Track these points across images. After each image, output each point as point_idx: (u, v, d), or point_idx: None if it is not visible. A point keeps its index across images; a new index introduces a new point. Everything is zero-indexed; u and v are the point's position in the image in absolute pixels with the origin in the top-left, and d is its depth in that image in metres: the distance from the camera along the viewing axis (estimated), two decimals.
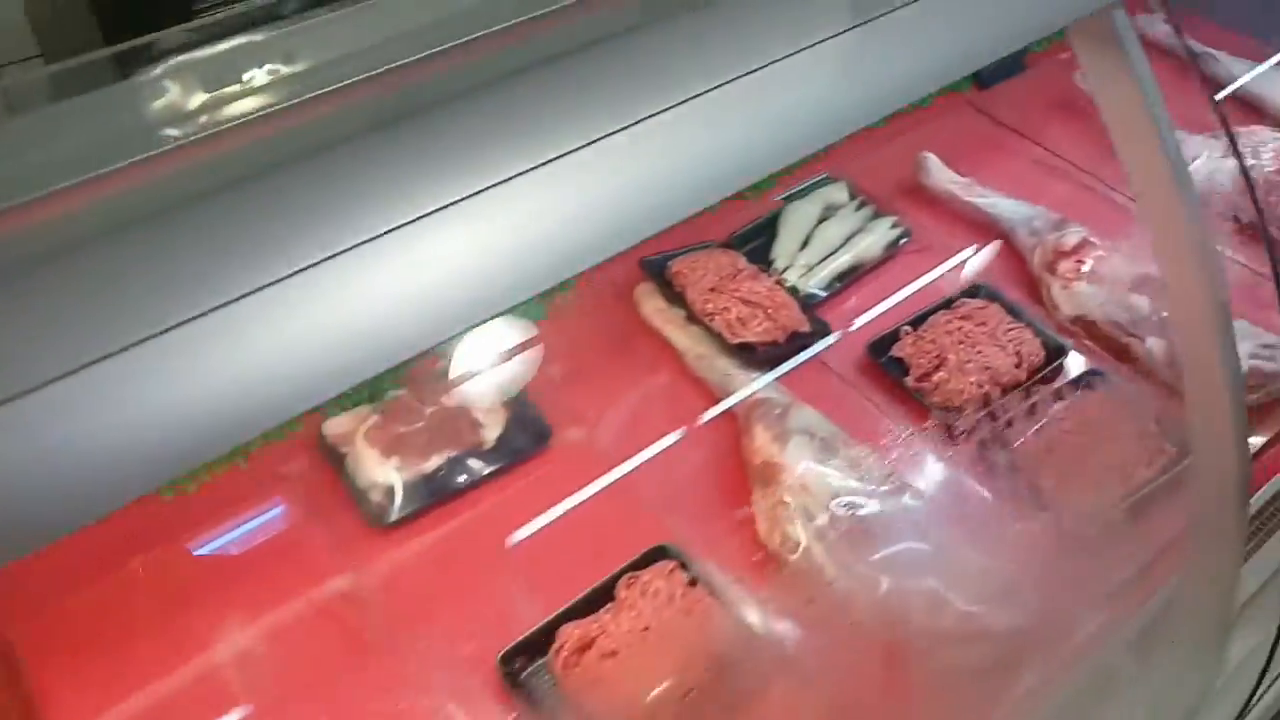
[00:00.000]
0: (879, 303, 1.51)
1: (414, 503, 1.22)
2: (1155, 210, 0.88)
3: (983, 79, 1.93)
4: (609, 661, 1.07)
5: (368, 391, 1.32)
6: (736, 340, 1.38)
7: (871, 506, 1.17)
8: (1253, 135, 1.71)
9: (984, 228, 1.62)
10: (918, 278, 1.55)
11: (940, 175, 1.65)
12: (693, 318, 1.40)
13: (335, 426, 1.27)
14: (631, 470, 1.26)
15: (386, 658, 1.10)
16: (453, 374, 1.33)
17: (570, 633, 1.09)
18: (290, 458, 1.27)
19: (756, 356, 1.37)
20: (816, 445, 1.23)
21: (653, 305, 1.44)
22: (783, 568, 1.16)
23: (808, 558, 1.14)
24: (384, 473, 1.22)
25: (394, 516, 1.20)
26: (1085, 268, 1.46)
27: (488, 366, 1.33)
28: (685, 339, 1.40)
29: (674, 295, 1.44)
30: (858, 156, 1.76)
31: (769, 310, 1.41)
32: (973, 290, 1.49)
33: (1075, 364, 1.42)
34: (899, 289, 1.53)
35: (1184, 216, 0.88)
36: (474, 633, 1.11)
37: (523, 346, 1.36)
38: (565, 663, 1.08)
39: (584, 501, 1.24)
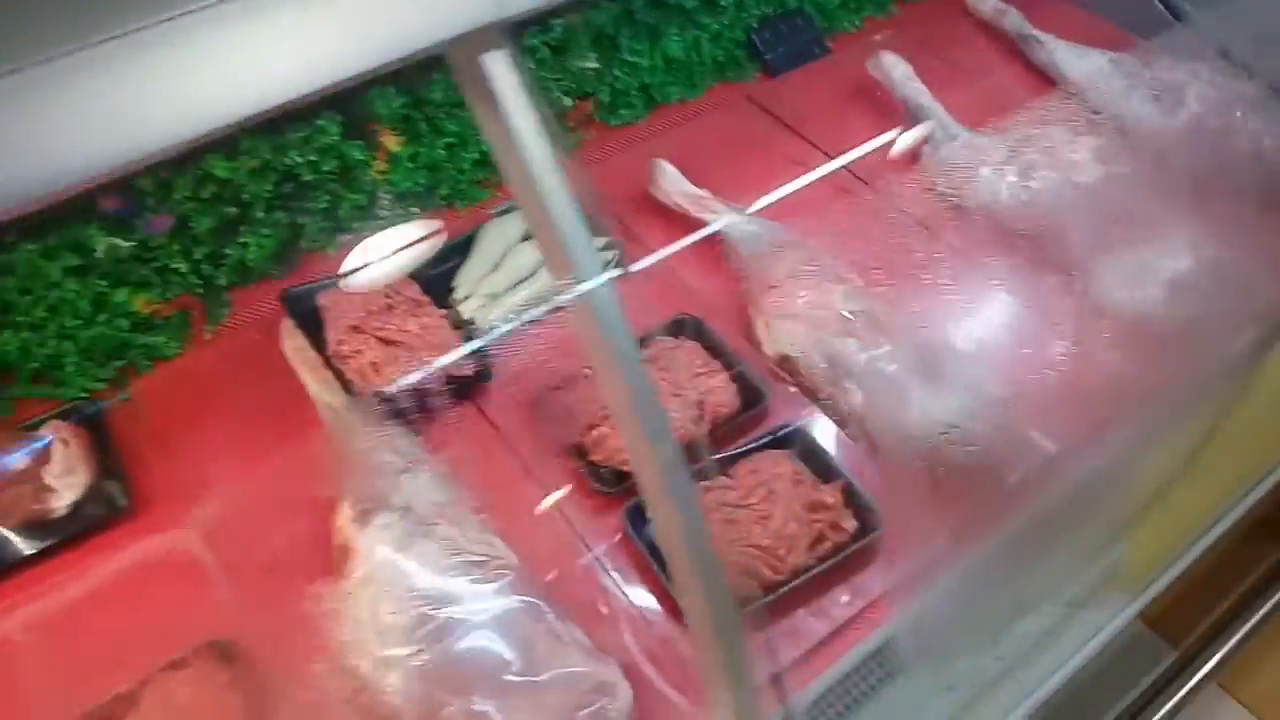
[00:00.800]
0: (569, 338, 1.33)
1: None
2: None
3: (771, 66, 1.71)
4: None
5: None
6: (366, 389, 1.20)
7: (454, 613, 1.01)
8: (1045, 136, 1.49)
9: (716, 249, 1.42)
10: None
11: (671, 186, 1.45)
12: (327, 361, 1.23)
13: None
14: (209, 547, 1.10)
15: None
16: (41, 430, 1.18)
17: None
18: None
19: (391, 408, 1.20)
20: (402, 527, 1.06)
21: (292, 345, 1.26)
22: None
23: (375, 678, 0.98)
24: None
25: None
26: (793, 302, 1.26)
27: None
28: (317, 386, 1.23)
29: (317, 332, 1.27)
30: (603, 158, 1.57)
31: (416, 351, 1.24)
32: (676, 325, 1.31)
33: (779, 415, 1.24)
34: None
35: (579, 264, 0.70)
36: None
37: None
38: None
39: (145, 582, 1.09)
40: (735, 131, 1.62)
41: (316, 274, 1.37)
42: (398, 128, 1.38)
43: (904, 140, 1.52)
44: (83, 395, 1.24)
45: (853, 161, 1.51)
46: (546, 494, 1.18)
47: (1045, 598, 1.26)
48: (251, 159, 1.26)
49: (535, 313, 1.31)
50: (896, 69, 1.60)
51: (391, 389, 1.20)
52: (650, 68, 1.60)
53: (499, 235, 1.39)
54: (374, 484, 1.11)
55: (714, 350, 1.28)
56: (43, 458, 1.15)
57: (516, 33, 0.63)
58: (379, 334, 1.24)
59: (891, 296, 1.29)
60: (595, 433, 1.19)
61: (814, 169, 1.50)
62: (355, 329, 1.24)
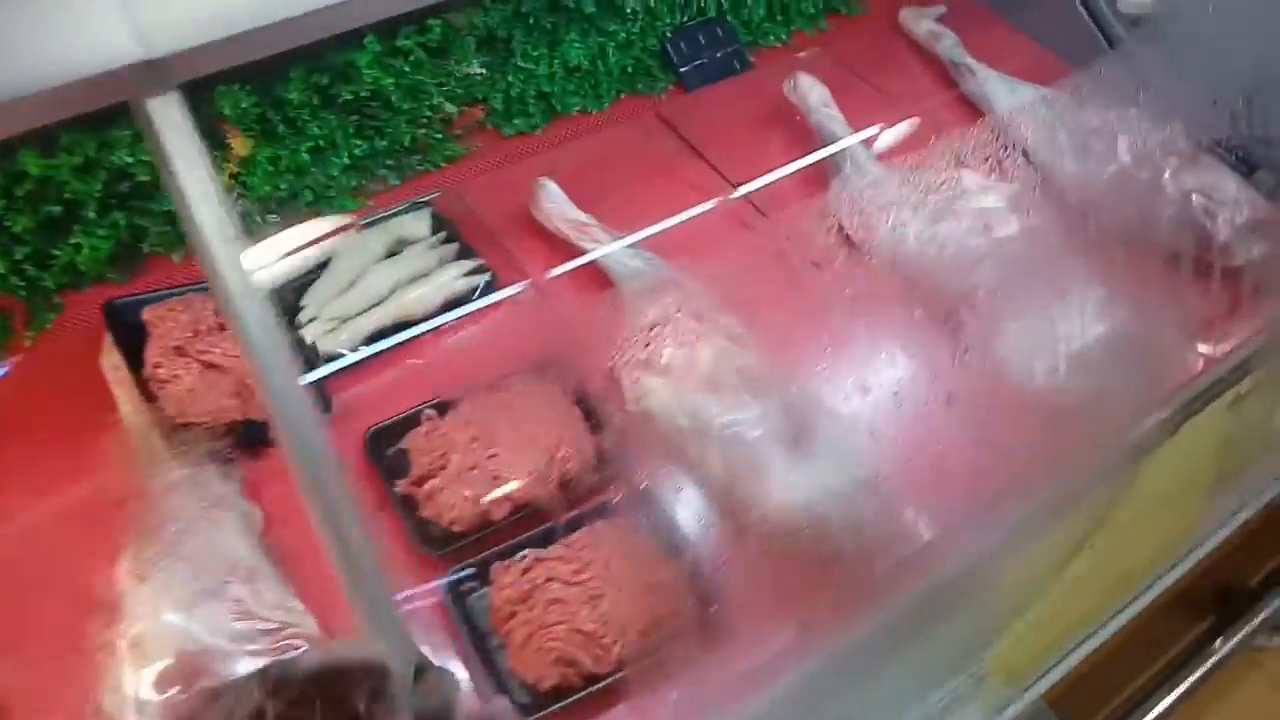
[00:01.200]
0: (421, 372, 1.23)
1: None
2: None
3: (686, 79, 1.61)
4: None
5: None
6: (181, 419, 1.10)
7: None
8: (960, 179, 1.39)
9: (601, 281, 1.32)
10: (485, 342, 1.27)
11: (553, 208, 1.34)
12: (143, 383, 1.12)
13: None
14: None
15: None
16: None
17: None
18: None
19: (205, 442, 1.09)
20: (187, 586, 0.96)
21: (109, 362, 1.16)
22: None
23: None
24: None
25: None
26: (661, 353, 1.16)
27: None
28: (129, 411, 1.12)
29: (140, 350, 1.16)
30: (492, 169, 1.46)
31: (243, 379, 1.13)
32: (539, 366, 1.20)
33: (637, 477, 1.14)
34: (450, 355, 1.25)
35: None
36: None
37: None
38: None
39: None
40: (637, 150, 1.51)
41: (161, 281, 1.26)
42: (251, 130, 1.26)
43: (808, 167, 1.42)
44: None
45: (753, 192, 1.41)
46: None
47: (907, 702, 1.18)
48: (74, 156, 1.15)
49: (382, 342, 1.21)
50: (813, 93, 1.50)
51: (207, 421, 1.10)
52: (548, 75, 1.49)
53: (359, 251, 1.28)
54: (167, 529, 1.01)
55: (578, 398, 1.18)
56: None
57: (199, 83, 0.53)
58: (203, 357, 1.13)
59: (770, 351, 1.19)
60: (428, 485, 1.09)
61: (714, 197, 1.41)
62: (178, 350, 1.13)
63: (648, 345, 1.16)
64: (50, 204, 1.17)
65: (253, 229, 1.32)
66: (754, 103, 1.59)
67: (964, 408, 1.19)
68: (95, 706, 0.90)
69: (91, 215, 1.21)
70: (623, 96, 1.58)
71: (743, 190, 1.41)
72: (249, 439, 1.12)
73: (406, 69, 1.34)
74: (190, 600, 0.95)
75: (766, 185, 1.42)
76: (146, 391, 1.11)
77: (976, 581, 1.10)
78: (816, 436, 1.12)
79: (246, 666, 0.92)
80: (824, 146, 1.45)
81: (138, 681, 0.90)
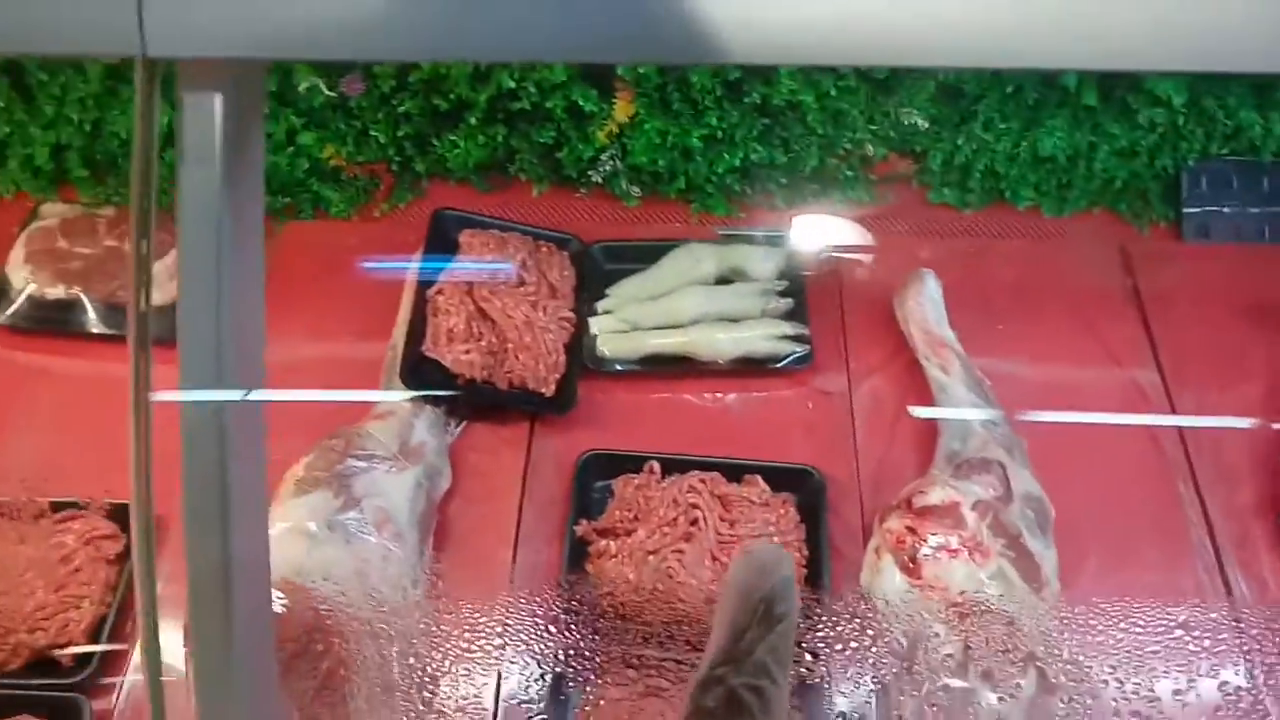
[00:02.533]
0: (674, 415, 1.09)
1: (18, 318, 1.12)
2: None
3: (1186, 224, 1.25)
4: None
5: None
6: (429, 351, 1.06)
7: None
8: None
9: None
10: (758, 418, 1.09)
11: (918, 310, 1.10)
12: (420, 302, 1.10)
13: (44, 212, 1.20)
14: None
15: None
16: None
17: None
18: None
19: (434, 386, 1.05)
20: (342, 518, 0.92)
21: (413, 271, 1.15)
22: None
23: None
24: (17, 275, 1.13)
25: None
26: (925, 543, 0.90)
27: None
28: (400, 328, 1.11)
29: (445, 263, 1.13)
30: (881, 232, 1.24)
31: (506, 341, 1.07)
32: (786, 476, 1.00)
33: None
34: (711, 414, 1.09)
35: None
36: None
37: None
38: None
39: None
40: (1071, 284, 1.20)
41: (514, 209, 1.23)
42: (647, 96, 1.17)
43: None
44: None
45: (1196, 427, 1.05)
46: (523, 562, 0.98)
47: None
48: (466, 65, 1.13)
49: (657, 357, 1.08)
50: None
51: (448, 364, 1.06)
52: (1009, 155, 1.22)
53: (688, 264, 1.15)
54: (352, 455, 0.98)
55: (812, 526, 0.97)
56: (158, 253, 1.15)
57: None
58: (481, 302, 1.08)
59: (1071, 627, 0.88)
60: (603, 543, 0.96)
61: (1140, 407, 1.07)
62: (469, 286, 1.10)
63: (915, 529, 0.91)
64: (439, 98, 1.17)
65: (617, 194, 1.24)
66: (1267, 287, 1.19)
67: None
68: None
69: (474, 121, 1.20)
70: (1095, 210, 1.26)
71: (1182, 420, 1.06)
72: (479, 400, 1.06)
73: (833, 92, 1.15)
74: (326, 533, 0.91)
75: (1225, 427, 1.06)
76: (421, 309, 1.09)
77: None
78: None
79: (325, 627, 0.87)
80: None
81: None
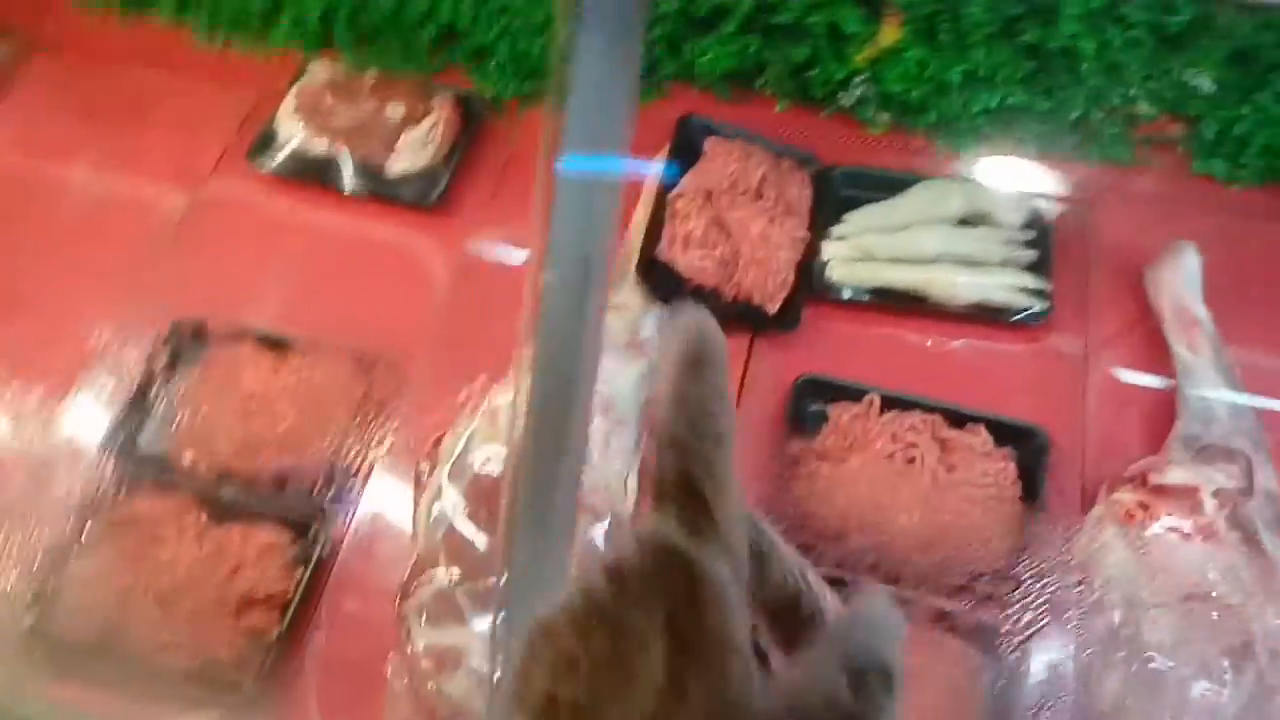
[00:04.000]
0: (897, 352, 1.08)
1: (283, 168, 1.19)
2: None
3: None
4: None
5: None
6: (663, 255, 1.07)
7: None
8: None
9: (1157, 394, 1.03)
10: (987, 369, 1.06)
11: (1171, 283, 1.05)
12: (660, 205, 1.11)
13: (312, 69, 1.26)
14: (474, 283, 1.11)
15: None
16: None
17: None
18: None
19: (665, 283, 1.06)
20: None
21: (653, 170, 1.15)
22: None
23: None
24: (286, 126, 1.20)
25: (264, 168, 1.19)
26: (1155, 524, 0.87)
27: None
28: (638, 226, 1.12)
29: (686, 167, 1.14)
30: (1136, 200, 1.18)
31: (740, 253, 1.07)
32: (1018, 432, 0.98)
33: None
34: (935, 357, 1.07)
35: None
36: None
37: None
38: None
39: (386, 273, 1.13)
40: None
41: (754, 122, 1.22)
42: (915, 23, 1.13)
43: None
44: (491, 92, 1.25)
45: None
46: None
47: None
48: None
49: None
50: None
51: (680, 269, 1.07)
52: None
53: (935, 200, 1.12)
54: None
55: (1029, 492, 0.95)
56: (413, 119, 1.20)
57: None
58: (721, 211, 1.08)
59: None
60: (820, 465, 0.97)
61: None
62: (709, 193, 1.10)
63: (1148, 506, 0.88)
64: (698, 2, 1.17)
65: (863, 120, 1.22)
66: None
67: None
68: (445, 432, 0.96)
69: (730, 29, 1.18)
70: None
71: None
72: (711, 310, 1.07)
73: (1117, 42, 1.09)
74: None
75: None
76: (660, 212, 1.10)
77: None
78: None
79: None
80: None
81: (463, 446, 0.93)
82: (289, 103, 1.21)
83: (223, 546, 0.93)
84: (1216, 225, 1.14)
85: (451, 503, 0.90)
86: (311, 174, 1.18)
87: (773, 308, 1.06)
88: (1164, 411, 0.99)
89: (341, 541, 0.96)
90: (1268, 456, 0.93)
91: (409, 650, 0.85)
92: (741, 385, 1.05)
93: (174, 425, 1.01)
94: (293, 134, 1.19)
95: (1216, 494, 0.86)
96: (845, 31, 1.14)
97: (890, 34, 1.12)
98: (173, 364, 1.04)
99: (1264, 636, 0.81)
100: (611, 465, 0.95)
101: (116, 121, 1.26)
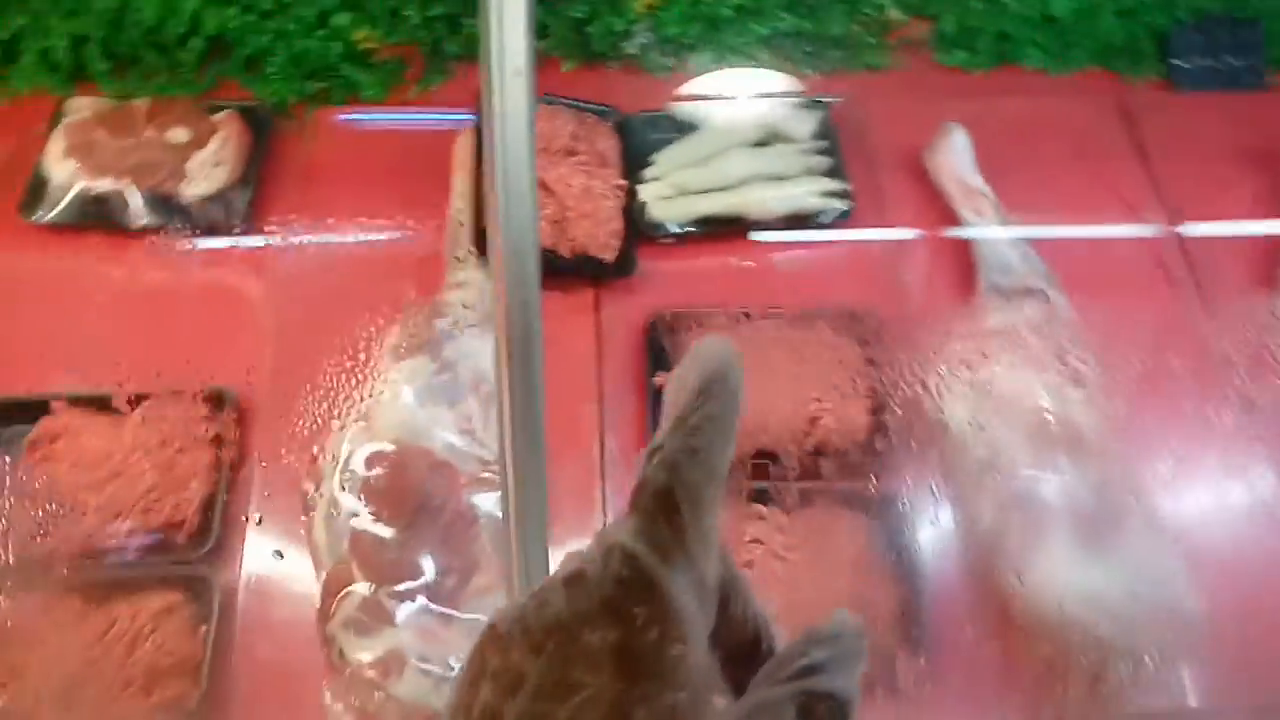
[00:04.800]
0: (731, 274, 1.15)
1: (63, 215, 1.11)
2: None
3: (1176, 75, 1.33)
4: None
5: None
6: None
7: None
8: None
9: (961, 257, 1.15)
10: (809, 270, 1.15)
11: (950, 163, 1.17)
12: (477, 176, 1.12)
13: (73, 106, 1.17)
14: (270, 286, 1.08)
15: None
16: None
17: None
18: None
19: None
20: (431, 381, 0.96)
21: (463, 146, 1.16)
22: None
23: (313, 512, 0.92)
24: (58, 170, 1.12)
25: (41, 219, 1.10)
26: (990, 364, 0.99)
27: None
28: (460, 204, 1.13)
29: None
30: (903, 98, 1.30)
31: (565, 209, 1.10)
32: (847, 317, 1.07)
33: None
34: (767, 270, 1.15)
35: None
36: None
37: None
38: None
39: (202, 295, 1.09)
40: (1078, 132, 1.28)
41: (545, 85, 1.25)
42: None
43: None
44: (272, 100, 1.21)
45: (1195, 238, 1.16)
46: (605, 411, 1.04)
47: None
48: None
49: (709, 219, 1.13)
50: None
51: None
52: (1017, 15, 1.28)
53: (728, 129, 1.19)
54: (437, 323, 1.01)
55: (871, 361, 1.05)
56: (199, 142, 1.15)
57: None
58: (541, 173, 1.11)
59: (1115, 420, 0.98)
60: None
61: (1143, 220, 1.17)
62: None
63: (979, 350, 0.99)
64: None
65: (648, 66, 1.27)
66: (1250, 131, 1.29)
67: None
68: (318, 449, 0.94)
69: None
70: (1092, 68, 1.34)
71: (1182, 229, 1.16)
72: (552, 269, 1.09)
73: None
74: (429, 395, 0.95)
75: (1218, 235, 1.16)
76: (479, 181, 1.11)
77: None
78: (1120, 542, 0.92)
79: (443, 480, 0.92)
80: None
81: (347, 446, 0.92)
82: (56, 145, 1.13)
83: (110, 625, 0.87)
84: (968, 109, 1.28)
85: (350, 511, 0.89)
86: (98, 217, 1.11)
87: (610, 256, 1.10)
88: (967, 271, 1.12)
89: (237, 587, 0.92)
90: (1058, 287, 1.07)
91: (346, 671, 0.84)
92: (598, 335, 1.09)
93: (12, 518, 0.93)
94: (67, 177, 1.11)
95: (1030, 327, 0.98)
96: None
97: None
98: None
99: (1090, 432, 0.94)
100: (494, 438, 0.97)
101: None
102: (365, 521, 0.88)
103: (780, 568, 0.92)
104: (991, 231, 1.10)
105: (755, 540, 0.93)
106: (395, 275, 1.08)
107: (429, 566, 0.87)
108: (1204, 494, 0.94)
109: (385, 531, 0.87)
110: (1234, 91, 1.34)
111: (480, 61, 0.43)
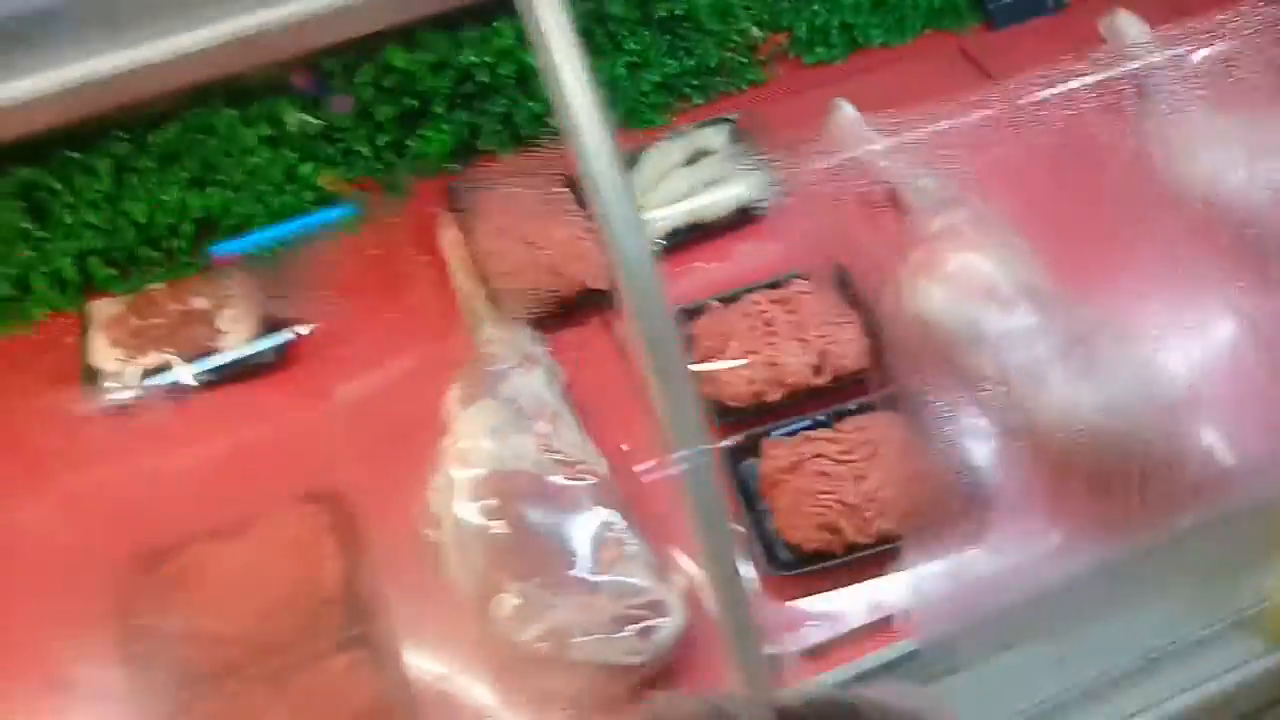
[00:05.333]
0: (709, 272, 1.32)
1: (124, 394, 1.22)
2: None
3: (995, 17, 1.60)
4: None
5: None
6: (503, 289, 1.25)
7: (531, 502, 1.04)
8: None
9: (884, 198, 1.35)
10: (771, 248, 1.34)
11: (848, 128, 1.39)
12: (475, 256, 1.29)
13: (97, 308, 1.30)
14: (339, 406, 1.21)
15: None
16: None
17: None
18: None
19: (522, 309, 1.24)
20: (501, 416, 1.10)
21: (447, 235, 1.33)
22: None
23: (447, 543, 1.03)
24: (107, 359, 1.23)
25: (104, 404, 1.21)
26: (942, 261, 1.18)
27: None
28: (461, 277, 1.29)
29: (475, 228, 1.32)
30: (788, 98, 1.53)
31: (555, 260, 1.27)
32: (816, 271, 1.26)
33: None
34: (738, 257, 1.33)
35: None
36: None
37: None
38: None
39: (277, 427, 1.20)
40: (938, 85, 1.51)
41: (490, 174, 1.42)
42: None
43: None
44: (267, 253, 1.36)
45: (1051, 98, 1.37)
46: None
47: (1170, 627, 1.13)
48: (429, 53, 1.33)
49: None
50: (1131, 29, 1.45)
51: (523, 291, 1.25)
52: (853, 5, 1.53)
53: (661, 158, 1.39)
54: (487, 371, 1.15)
55: (852, 302, 1.23)
56: (222, 304, 1.29)
57: None
58: (525, 238, 1.28)
59: (1059, 270, 1.18)
60: (709, 365, 1.18)
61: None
62: (503, 230, 1.29)
63: (930, 254, 1.19)
64: (409, 96, 1.36)
65: None
66: (1065, 42, 1.55)
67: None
68: (423, 502, 1.06)
69: (439, 111, 1.39)
70: (927, 31, 1.60)
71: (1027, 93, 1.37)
72: (560, 310, 1.25)
73: None
74: (503, 429, 1.09)
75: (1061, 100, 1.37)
76: (478, 263, 1.27)
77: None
78: (1101, 355, 1.10)
79: (546, 490, 1.05)
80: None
81: (455, 485, 1.04)
82: (98, 342, 1.24)
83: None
84: (843, 90, 1.51)
85: (476, 526, 1.01)
86: (154, 387, 1.22)
87: (606, 284, 1.27)
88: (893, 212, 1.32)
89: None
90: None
91: (514, 653, 0.96)
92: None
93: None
94: (116, 365, 1.23)
95: (967, 221, 1.18)
96: (529, 70, 1.39)
97: None
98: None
99: (1042, 281, 1.13)
100: (573, 444, 1.11)
101: None
102: (493, 528, 1.00)
103: (845, 468, 1.07)
104: (898, 165, 1.31)
105: (818, 455, 1.08)
106: (433, 353, 1.22)
107: (560, 548, 1.00)
108: (1146, 298, 1.14)
109: (513, 529, 1.00)
110: (1044, 16, 1.61)
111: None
